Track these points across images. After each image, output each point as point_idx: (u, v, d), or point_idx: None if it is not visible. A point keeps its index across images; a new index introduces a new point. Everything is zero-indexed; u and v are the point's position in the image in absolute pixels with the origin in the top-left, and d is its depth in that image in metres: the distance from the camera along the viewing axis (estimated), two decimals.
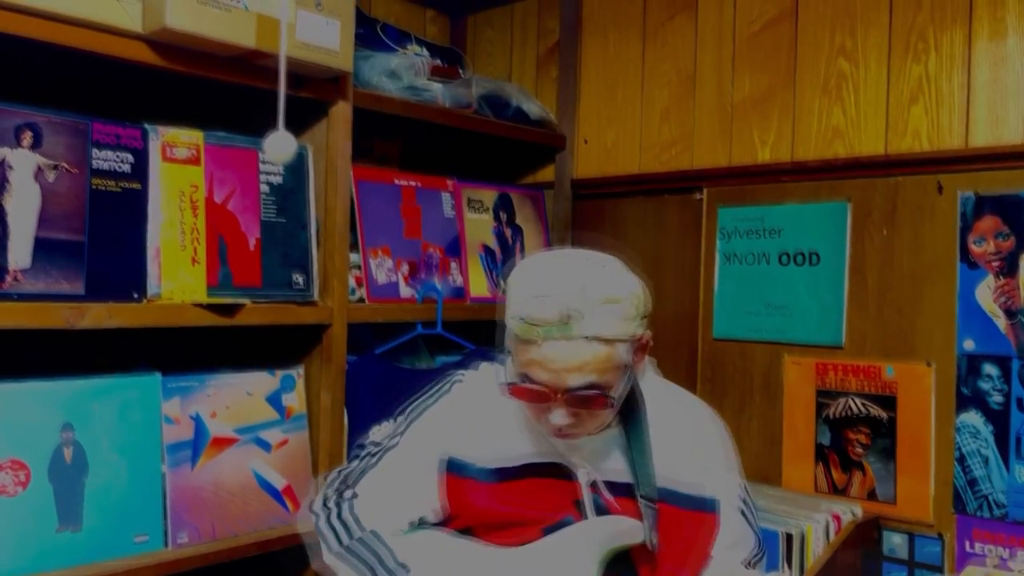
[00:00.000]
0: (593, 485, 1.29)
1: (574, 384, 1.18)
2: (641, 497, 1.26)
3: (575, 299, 1.17)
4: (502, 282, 1.32)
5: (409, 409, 1.41)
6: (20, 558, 1.34)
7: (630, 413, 1.30)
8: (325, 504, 1.39)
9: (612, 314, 1.18)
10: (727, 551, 1.28)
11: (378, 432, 1.43)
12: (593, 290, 1.18)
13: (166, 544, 1.51)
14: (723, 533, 1.29)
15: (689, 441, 1.33)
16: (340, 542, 1.32)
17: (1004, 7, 1.71)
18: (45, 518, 1.38)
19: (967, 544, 1.71)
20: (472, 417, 1.35)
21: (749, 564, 1.29)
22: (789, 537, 1.67)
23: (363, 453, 1.41)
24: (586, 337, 1.17)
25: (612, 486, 1.29)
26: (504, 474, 1.30)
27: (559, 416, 1.20)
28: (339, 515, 1.35)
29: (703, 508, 1.29)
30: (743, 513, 1.32)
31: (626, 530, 1.24)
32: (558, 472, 1.30)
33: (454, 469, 1.32)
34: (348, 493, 1.37)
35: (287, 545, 1.65)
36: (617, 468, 1.30)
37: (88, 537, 1.42)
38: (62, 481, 1.40)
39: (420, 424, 1.37)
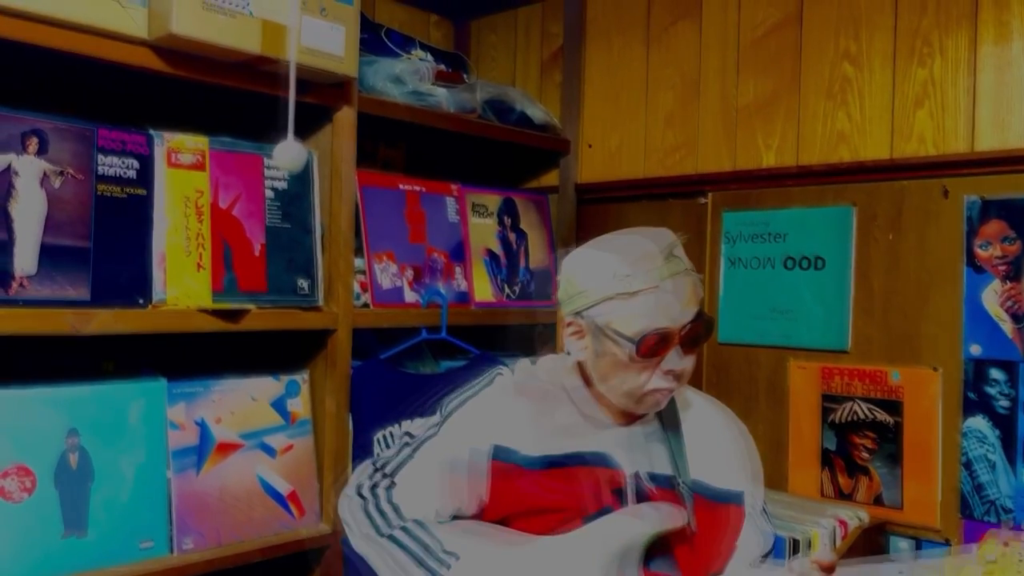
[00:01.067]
0: (636, 475, 1.33)
1: (689, 317, 1.27)
2: (681, 481, 1.32)
3: (666, 244, 1.30)
4: (565, 278, 1.37)
5: (448, 401, 1.42)
6: (26, 564, 1.34)
7: (668, 409, 1.39)
8: (360, 493, 1.38)
9: (684, 254, 1.33)
10: (754, 546, 1.34)
11: (416, 426, 1.44)
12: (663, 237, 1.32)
13: (171, 550, 1.51)
14: (749, 528, 1.35)
15: (717, 438, 1.40)
16: (380, 532, 1.32)
17: (1009, 11, 1.71)
18: (50, 524, 1.38)
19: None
20: (516, 408, 1.36)
21: (765, 559, 1.36)
22: (795, 542, 1.66)
23: (400, 445, 1.42)
24: (687, 270, 1.30)
25: (653, 477, 1.34)
26: (550, 462, 1.32)
27: (676, 359, 1.28)
28: (376, 504, 1.35)
29: (730, 501, 1.35)
30: (765, 512, 1.40)
31: (667, 515, 1.28)
32: (601, 464, 1.33)
33: (499, 456, 1.33)
34: (385, 483, 1.37)
35: (292, 551, 1.65)
36: (657, 460, 1.35)
37: (93, 543, 1.42)
38: (67, 487, 1.40)
39: (461, 414, 1.38)
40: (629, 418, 1.37)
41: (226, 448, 1.62)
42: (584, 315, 1.32)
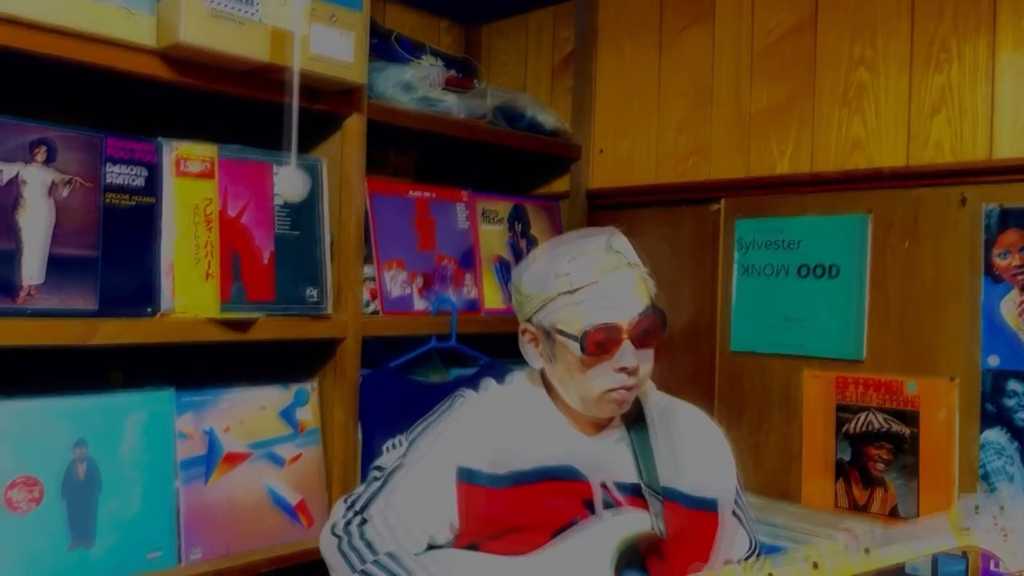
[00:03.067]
0: (603, 485, 1.32)
1: (636, 311, 1.26)
2: (646, 486, 1.31)
3: (605, 239, 1.30)
4: (513, 286, 1.38)
5: (413, 430, 1.42)
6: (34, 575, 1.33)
7: (634, 415, 1.37)
8: (334, 532, 1.38)
9: (629, 246, 1.33)
10: (726, 551, 1.33)
11: (386, 457, 1.44)
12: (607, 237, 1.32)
13: (179, 561, 1.50)
14: (721, 534, 1.34)
15: (691, 442, 1.39)
16: (353, 568, 1.32)
17: None
18: (58, 535, 1.37)
19: (992, 563, 1.68)
20: (480, 428, 1.36)
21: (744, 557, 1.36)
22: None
23: (370, 480, 1.41)
24: (629, 263, 1.29)
25: (620, 487, 1.32)
26: (516, 479, 1.31)
27: (628, 355, 1.25)
28: (350, 542, 1.35)
29: (704, 507, 1.34)
30: (736, 515, 1.39)
31: (635, 520, 1.28)
32: (568, 477, 1.31)
33: (464, 477, 1.32)
34: (356, 520, 1.37)
35: (301, 561, 1.64)
36: (625, 469, 1.34)
37: (101, 554, 1.41)
38: (75, 498, 1.39)
39: (424, 441, 1.37)
40: (596, 427, 1.36)
41: (234, 458, 1.61)
42: (534, 320, 1.32)
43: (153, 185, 1.48)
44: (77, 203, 1.39)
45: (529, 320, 1.34)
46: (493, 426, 1.35)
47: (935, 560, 1.74)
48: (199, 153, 1.54)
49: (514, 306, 1.40)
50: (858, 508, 1.85)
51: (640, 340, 1.27)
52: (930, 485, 1.77)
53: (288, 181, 1.27)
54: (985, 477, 1.69)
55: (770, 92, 2.02)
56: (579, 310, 1.26)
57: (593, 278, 1.26)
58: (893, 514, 1.81)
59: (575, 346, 1.25)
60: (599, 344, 1.25)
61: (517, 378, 1.43)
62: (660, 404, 1.43)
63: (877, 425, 1.83)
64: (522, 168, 2.39)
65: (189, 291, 1.51)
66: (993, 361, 1.69)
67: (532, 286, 1.32)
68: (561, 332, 1.28)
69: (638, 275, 1.30)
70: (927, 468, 1.77)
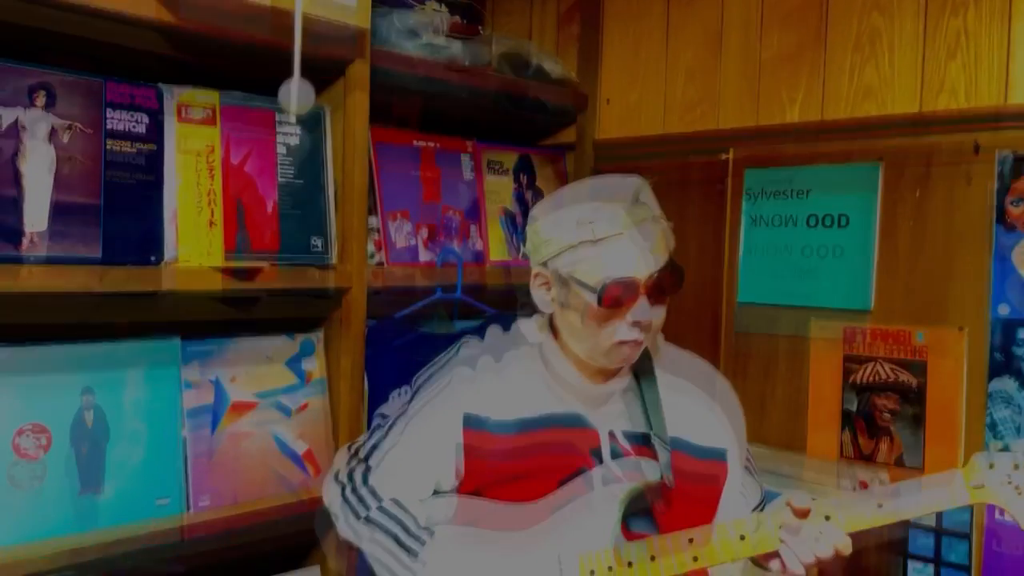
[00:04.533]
0: (611, 434, 1.31)
1: (656, 266, 1.23)
2: (655, 436, 1.30)
3: (633, 190, 1.26)
4: (531, 227, 1.34)
5: (418, 379, 1.41)
6: (43, 521, 1.34)
7: (642, 366, 1.35)
8: (337, 480, 1.39)
9: (654, 199, 1.29)
10: (738, 499, 1.34)
11: (391, 405, 1.43)
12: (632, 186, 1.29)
13: (187, 508, 1.51)
14: (731, 484, 1.34)
15: (698, 394, 1.38)
16: (358, 515, 1.32)
17: None
18: (67, 481, 1.38)
19: (997, 512, 1.68)
20: (486, 375, 1.34)
21: (755, 511, 1.35)
22: None
23: (374, 427, 1.41)
24: (654, 216, 1.26)
25: (628, 436, 1.32)
26: (522, 427, 1.30)
27: (643, 310, 1.23)
28: (353, 489, 1.35)
29: (712, 457, 1.33)
30: (748, 466, 1.39)
31: (642, 468, 1.28)
32: (575, 424, 1.31)
33: (469, 424, 1.31)
34: (360, 467, 1.37)
35: (308, 510, 1.64)
36: (633, 418, 1.34)
37: (110, 501, 1.42)
38: (83, 445, 1.40)
39: (429, 388, 1.37)
40: (604, 376, 1.34)
41: (241, 407, 1.61)
42: (549, 265, 1.29)
43: (155, 132, 1.46)
44: (79, 150, 1.37)
45: (544, 264, 1.30)
46: (499, 373, 1.34)
47: (938, 541, 1.75)
48: (201, 100, 1.52)
49: (528, 248, 1.35)
50: (863, 458, 1.86)
51: (656, 295, 1.25)
52: (936, 435, 1.76)
53: (290, 93, 1.23)
54: (992, 426, 1.69)
55: (780, 39, 1.98)
56: (600, 261, 1.23)
57: (617, 229, 1.22)
58: (899, 464, 1.81)
59: (592, 297, 1.23)
60: (616, 298, 1.23)
61: (524, 326, 1.42)
62: (669, 355, 1.41)
63: (884, 375, 1.83)
64: (528, 118, 2.35)
65: (193, 240, 1.50)
66: (1003, 310, 1.68)
67: (552, 230, 1.28)
68: (578, 281, 1.25)
69: (661, 229, 1.27)
70: (934, 418, 1.77)
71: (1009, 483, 1.12)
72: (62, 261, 1.34)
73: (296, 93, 1.21)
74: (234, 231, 1.55)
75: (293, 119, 1.61)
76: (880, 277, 1.84)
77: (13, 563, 1.29)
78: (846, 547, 1.16)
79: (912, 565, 1.78)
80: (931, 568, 1.75)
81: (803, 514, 1.17)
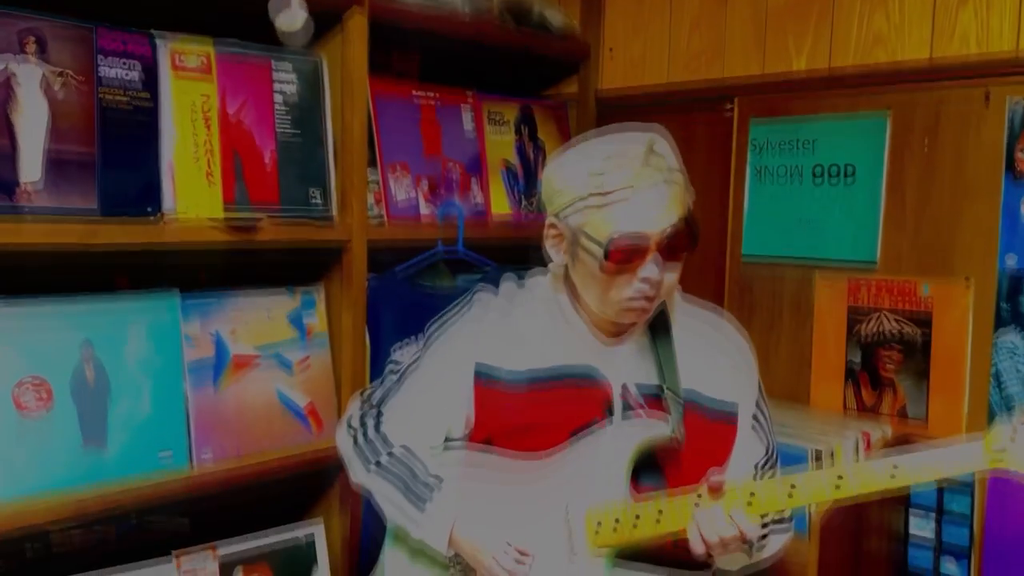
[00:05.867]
0: (623, 388, 1.29)
1: (669, 223, 1.18)
2: (668, 390, 1.27)
3: (647, 141, 1.21)
4: (545, 177, 1.30)
5: (431, 326, 1.39)
6: (47, 475, 1.35)
7: (658, 320, 1.32)
8: (350, 426, 1.38)
9: (671, 151, 1.23)
10: (750, 456, 1.31)
11: (400, 353, 1.42)
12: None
13: (190, 461, 1.51)
14: (745, 439, 1.31)
15: (713, 348, 1.34)
16: (368, 461, 1.32)
17: None
18: (69, 436, 1.38)
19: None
20: (499, 326, 1.33)
21: (759, 467, 1.31)
22: (819, 454, 1.64)
23: (385, 374, 1.40)
24: (669, 169, 1.20)
25: (641, 390, 1.30)
26: (534, 379, 1.29)
27: (653, 267, 1.19)
28: (365, 436, 1.35)
29: (724, 413, 1.31)
30: (757, 419, 1.35)
31: (654, 424, 1.25)
32: (588, 377, 1.29)
33: (482, 376, 1.30)
34: (372, 413, 1.37)
35: (311, 464, 1.65)
36: (646, 372, 1.31)
37: (113, 454, 1.42)
38: (85, 399, 1.40)
39: (442, 338, 1.36)
40: (618, 331, 1.31)
41: (242, 362, 1.60)
42: (561, 216, 1.25)
43: (149, 82, 1.43)
44: (72, 100, 1.34)
45: (557, 216, 1.26)
46: (512, 324, 1.33)
47: (940, 493, 1.74)
48: (195, 48, 1.49)
49: (543, 199, 1.31)
50: (866, 410, 1.85)
51: (668, 253, 1.20)
52: (940, 387, 1.76)
53: (282, 9, 1.19)
54: (996, 376, 1.68)
55: None
56: (609, 215, 1.18)
57: (628, 182, 1.17)
58: (901, 415, 1.81)
59: (599, 253, 1.19)
60: (624, 254, 1.18)
61: (538, 277, 1.40)
62: (685, 310, 1.37)
63: (889, 327, 1.82)
64: (530, 70, 2.31)
65: (191, 193, 1.48)
66: (1010, 261, 1.66)
67: (563, 181, 1.24)
68: (587, 236, 1.21)
69: (676, 183, 1.21)
70: (938, 370, 1.76)
71: None
72: (58, 213, 1.33)
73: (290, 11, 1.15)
74: (232, 183, 1.53)
75: (289, 68, 1.58)
76: (886, 229, 1.82)
77: (17, 515, 1.29)
78: (752, 534, 1.16)
79: (914, 516, 1.78)
80: (933, 519, 1.76)
81: (716, 490, 1.16)
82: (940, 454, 1.09)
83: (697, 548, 1.17)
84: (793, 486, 1.15)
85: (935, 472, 1.11)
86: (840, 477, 1.14)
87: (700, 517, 1.16)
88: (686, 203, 1.23)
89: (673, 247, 1.20)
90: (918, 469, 1.10)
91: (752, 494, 1.17)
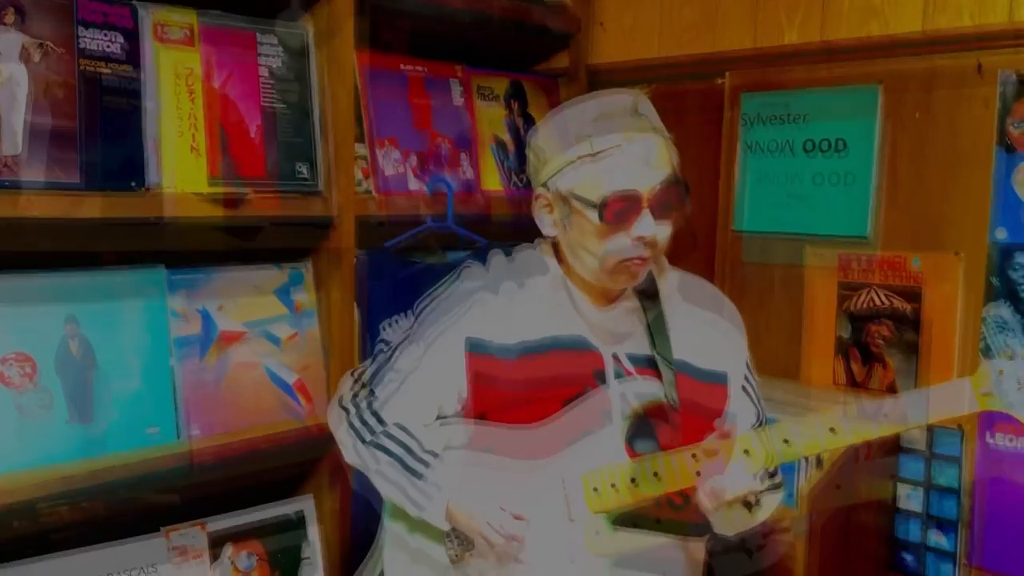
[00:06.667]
0: (615, 356, 1.30)
1: (659, 179, 1.21)
2: (659, 357, 1.29)
3: (631, 102, 1.24)
4: (530, 148, 1.31)
5: (420, 303, 1.39)
6: (32, 451, 1.34)
7: (647, 288, 1.34)
8: (341, 405, 1.38)
9: (654, 111, 1.26)
10: (731, 423, 1.31)
11: (390, 330, 1.42)
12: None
13: (178, 437, 1.50)
14: (734, 407, 1.33)
15: (702, 316, 1.36)
16: (363, 440, 1.32)
17: None
18: (56, 411, 1.37)
19: (988, 436, 1.69)
20: (489, 300, 1.33)
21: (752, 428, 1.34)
22: None
23: (376, 352, 1.40)
24: (654, 128, 1.23)
25: (632, 358, 1.31)
26: (526, 350, 1.29)
27: (646, 225, 1.21)
28: (358, 415, 1.35)
29: (714, 380, 1.33)
30: (745, 390, 1.37)
31: (647, 388, 1.28)
32: (579, 347, 1.30)
33: (473, 348, 1.30)
34: (363, 393, 1.36)
35: (300, 439, 1.64)
36: (637, 340, 1.32)
37: (100, 430, 1.41)
38: (70, 375, 1.39)
39: (433, 314, 1.35)
40: (608, 298, 1.33)
41: (230, 337, 1.59)
42: (550, 184, 1.27)
43: (131, 53, 1.41)
44: (52, 71, 1.32)
45: (544, 185, 1.28)
46: (501, 297, 1.33)
47: (930, 434, 1.76)
48: (178, 19, 1.47)
49: (529, 170, 1.33)
50: (857, 385, 1.86)
51: (660, 210, 1.22)
52: (930, 361, 1.76)
53: None
54: (986, 351, 1.68)
55: None
56: (599, 176, 1.20)
57: (616, 142, 1.20)
58: (891, 390, 1.81)
59: (593, 213, 1.21)
60: (618, 213, 1.20)
61: (526, 250, 1.40)
62: (674, 278, 1.39)
63: (879, 302, 1.81)
64: (520, 43, 2.28)
65: (176, 166, 1.46)
66: (1000, 234, 1.65)
67: (550, 148, 1.26)
68: (579, 198, 1.22)
69: (663, 142, 1.24)
70: (928, 344, 1.76)
71: (1019, 390, 1.10)
72: (40, 187, 1.31)
73: None
74: (218, 157, 1.51)
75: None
76: (878, 204, 1.81)
77: (3, 491, 1.28)
78: (750, 490, 1.20)
79: (902, 488, 1.79)
80: (921, 491, 1.77)
81: (711, 454, 1.18)
82: (928, 398, 1.11)
83: (706, 504, 1.19)
84: (786, 440, 1.19)
85: (926, 414, 1.12)
86: (833, 430, 1.15)
87: (707, 472, 1.18)
88: (673, 161, 1.25)
89: (665, 204, 1.22)
90: (906, 414, 1.12)
91: (747, 451, 1.19)
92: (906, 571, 1.80)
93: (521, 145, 2.14)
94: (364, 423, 1.34)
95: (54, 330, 1.38)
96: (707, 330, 1.36)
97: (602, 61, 2.22)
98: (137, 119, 1.42)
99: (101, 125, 1.37)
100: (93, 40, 1.36)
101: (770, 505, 1.32)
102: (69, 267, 1.42)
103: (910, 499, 1.78)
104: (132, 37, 1.41)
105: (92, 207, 1.35)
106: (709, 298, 1.41)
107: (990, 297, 1.67)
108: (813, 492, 1.55)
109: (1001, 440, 1.68)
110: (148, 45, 1.43)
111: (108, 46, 1.38)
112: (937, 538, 1.75)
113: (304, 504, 1.73)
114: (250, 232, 1.67)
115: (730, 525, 1.31)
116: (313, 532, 1.72)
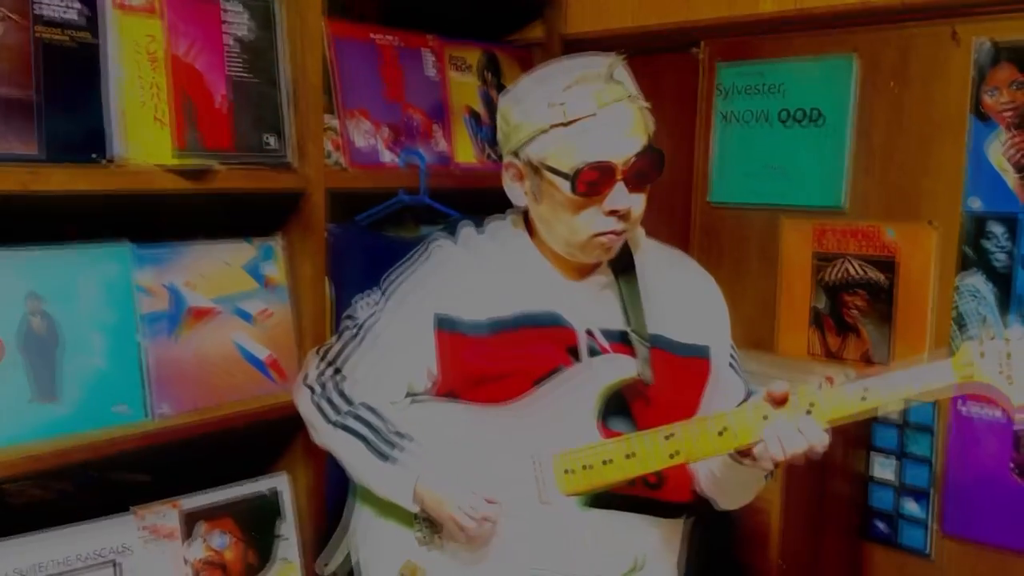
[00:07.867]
0: (588, 332, 1.27)
1: (634, 149, 1.17)
2: (633, 332, 1.25)
3: (605, 68, 1.18)
4: (500, 114, 1.27)
5: (387, 279, 1.36)
6: None
7: (622, 261, 1.30)
8: (307, 384, 1.35)
9: (630, 77, 1.21)
10: (720, 399, 1.29)
11: (358, 307, 1.38)
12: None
13: (147, 415, 1.47)
14: (714, 382, 1.31)
15: (680, 290, 1.33)
16: (328, 419, 1.30)
17: None
18: (20, 389, 1.33)
19: (960, 404, 1.70)
20: (458, 275, 1.30)
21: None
22: None
23: (342, 330, 1.37)
24: (630, 96, 1.18)
25: (606, 333, 1.27)
26: (497, 326, 1.26)
27: (620, 197, 1.17)
28: (324, 394, 1.32)
29: (694, 355, 1.30)
30: (732, 365, 1.35)
31: (620, 366, 1.24)
32: (552, 323, 1.27)
33: (444, 326, 1.28)
34: (329, 371, 1.34)
35: (273, 416, 1.62)
36: (611, 315, 1.28)
37: (66, 408, 1.38)
38: (34, 352, 1.35)
39: (400, 290, 1.32)
40: (581, 272, 1.29)
41: (200, 313, 1.56)
42: (520, 153, 1.22)
43: (91, 20, 1.36)
44: (9, 39, 1.28)
45: (515, 154, 1.23)
46: (471, 272, 1.30)
47: (902, 435, 1.76)
48: None
49: (499, 138, 1.28)
50: (831, 355, 1.86)
51: (634, 182, 1.18)
52: (904, 331, 1.77)
53: None
54: (958, 320, 1.69)
55: None
56: (572, 145, 1.15)
57: (590, 110, 1.15)
58: (865, 360, 1.82)
59: (565, 185, 1.16)
60: (591, 184, 1.16)
61: (497, 222, 1.36)
62: (650, 251, 1.35)
63: (853, 272, 1.82)
64: (493, 13, 2.25)
65: (140, 137, 1.42)
66: (975, 204, 1.66)
67: (521, 114, 1.20)
68: (550, 169, 1.18)
69: (638, 109, 1.19)
70: (901, 314, 1.77)
71: (1000, 372, 1.08)
72: None
73: None
74: (183, 128, 1.47)
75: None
76: (853, 174, 1.81)
77: None
78: (822, 443, 1.13)
79: (875, 457, 1.81)
80: (894, 460, 1.79)
81: (781, 400, 1.13)
82: (910, 374, 1.10)
83: (766, 464, 1.16)
84: (765, 416, 1.14)
85: (906, 392, 1.11)
86: (810, 408, 1.13)
87: (770, 432, 1.13)
88: (649, 130, 1.20)
89: (640, 175, 1.18)
90: (888, 390, 1.11)
91: (722, 431, 1.16)
92: (879, 539, 1.82)
93: (495, 117, 2.11)
94: (330, 402, 1.31)
95: (15, 307, 1.34)
96: (686, 303, 1.32)
97: (577, 31, 2.20)
98: (98, 88, 1.37)
99: (60, 95, 1.33)
100: (50, 7, 1.31)
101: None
102: (30, 242, 1.38)
103: (884, 468, 1.80)
104: (91, 3, 1.36)
105: (52, 179, 1.31)
106: (687, 270, 1.38)
107: (963, 266, 1.68)
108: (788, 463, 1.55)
109: (973, 408, 1.69)
110: (108, 11, 1.38)
111: (66, 12, 1.33)
112: (910, 506, 1.77)
113: (278, 481, 1.71)
114: (218, 205, 1.64)
115: (744, 496, 1.30)
116: (288, 509, 1.70)
